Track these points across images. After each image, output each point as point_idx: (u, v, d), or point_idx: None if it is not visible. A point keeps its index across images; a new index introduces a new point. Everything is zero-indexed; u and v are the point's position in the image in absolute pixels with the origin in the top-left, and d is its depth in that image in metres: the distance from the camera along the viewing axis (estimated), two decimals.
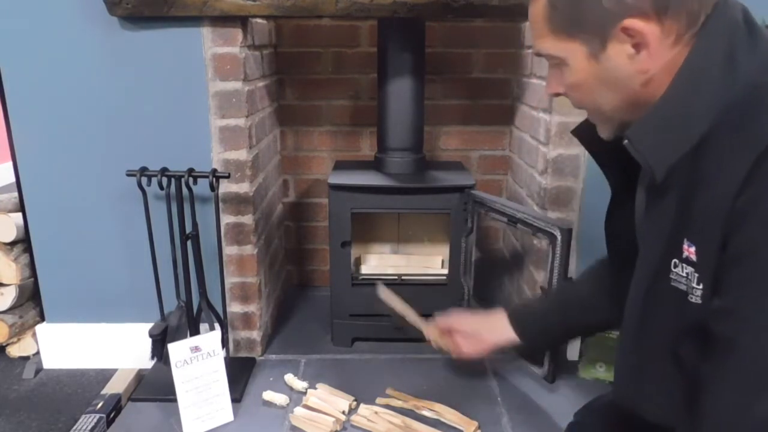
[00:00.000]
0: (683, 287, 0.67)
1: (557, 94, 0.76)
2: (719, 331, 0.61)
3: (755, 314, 0.58)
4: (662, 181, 0.67)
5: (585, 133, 0.83)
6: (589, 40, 0.67)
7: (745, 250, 0.59)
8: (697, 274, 0.64)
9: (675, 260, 0.67)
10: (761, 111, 0.59)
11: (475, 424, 1.27)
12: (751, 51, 0.63)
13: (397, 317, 1.30)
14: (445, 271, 1.64)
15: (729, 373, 0.61)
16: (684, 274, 0.66)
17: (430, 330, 1.22)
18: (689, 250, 0.65)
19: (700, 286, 0.64)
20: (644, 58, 0.65)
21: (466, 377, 1.49)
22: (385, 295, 1.31)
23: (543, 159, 1.47)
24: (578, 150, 1.41)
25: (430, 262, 1.76)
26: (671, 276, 0.68)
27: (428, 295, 1.63)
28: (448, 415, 1.30)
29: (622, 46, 0.66)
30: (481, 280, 1.60)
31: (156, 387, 1.40)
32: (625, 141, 0.68)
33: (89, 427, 1.29)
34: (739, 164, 0.58)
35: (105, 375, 1.54)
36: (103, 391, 1.43)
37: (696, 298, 0.65)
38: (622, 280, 0.89)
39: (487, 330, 1.13)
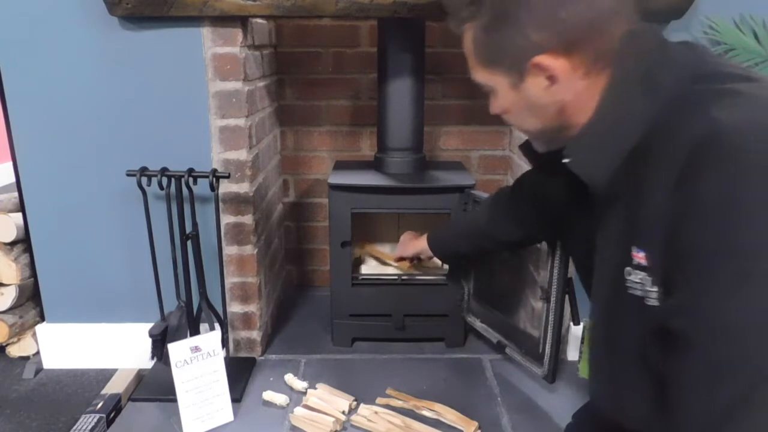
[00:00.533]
0: (639, 293, 0.68)
1: (498, 114, 0.83)
2: (676, 329, 0.62)
3: (705, 308, 0.59)
4: (606, 193, 0.72)
5: (533, 150, 0.89)
6: (508, 73, 0.75)
7: (689, 247, 0.60)
8: (650, 278, 0.66)
9: (627, 268, 0.69)
10: (687, 115, 0.62)
11: (475, 424, 1.28)
12: (667, 69, 0.68)
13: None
14: (445, 271, 1.64)
15: (688, 368, 0.61)
16: (638, 281, 0.68)
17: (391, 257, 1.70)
18: (638, 256, 0.67)
19: (655, 289, 0.66)
20: (558, 89, 0.72)
21: (467, 377, 1.49)
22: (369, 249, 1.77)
23: None
24: None
25: (429, 261, 1.76)
26: (627, 284, 0.70)
27: (428, 295, 1.63)
28: (448, 415, 1.30)
29: (537, 79, 0.72)
30: (481, 280, 1.60)
31: (156, 387, 1.40)
32: (565, 159, 0.74)
33: (89, 427, 1.29)
34: (673, 164, 0.61)
35: (105, 375, 1.54)
36: (103, 391, 1.43)
37: (653, 300, 0.66)
38: (514, 210, 1.22)
39: (413, 243, 1.55)
